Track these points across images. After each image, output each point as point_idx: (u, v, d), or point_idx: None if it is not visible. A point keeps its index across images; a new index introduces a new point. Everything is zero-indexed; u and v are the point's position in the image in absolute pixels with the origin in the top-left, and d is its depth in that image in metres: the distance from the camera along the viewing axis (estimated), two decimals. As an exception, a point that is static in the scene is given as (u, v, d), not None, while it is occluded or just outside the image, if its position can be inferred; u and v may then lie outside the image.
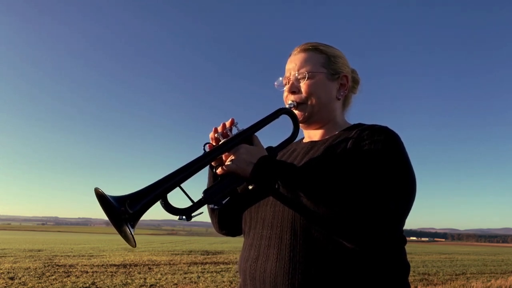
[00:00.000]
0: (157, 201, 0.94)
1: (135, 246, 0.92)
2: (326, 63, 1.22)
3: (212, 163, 1.12)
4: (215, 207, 1.04)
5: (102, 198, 0.88)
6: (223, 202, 1.04)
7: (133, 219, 0.89)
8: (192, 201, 1.01)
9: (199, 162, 1.02)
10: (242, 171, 1.03)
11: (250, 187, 1.05)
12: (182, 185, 0.98)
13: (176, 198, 1.01)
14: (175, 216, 1.00)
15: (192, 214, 1.00)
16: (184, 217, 0.99)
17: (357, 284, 0.98)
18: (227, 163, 1.05)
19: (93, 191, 0.88)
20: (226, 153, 1.07)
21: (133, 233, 0.89)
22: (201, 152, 1.06)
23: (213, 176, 1.16)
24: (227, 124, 1.11)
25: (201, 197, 1.02)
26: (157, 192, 0.93)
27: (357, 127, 1.17)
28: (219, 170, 1.06)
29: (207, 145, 1.09)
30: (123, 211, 0.87)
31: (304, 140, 1.31)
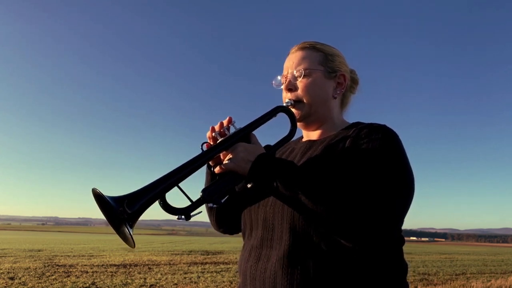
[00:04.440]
0: (155, 201, 0.93)
1: (134, 247, 0.90)
2: (323, 61, 1.21)
3: (210, 162, 1.11)
4: (214, 206, 1.03)
5: (99, 198, 0.87)
6: (222, 201, 1.03)
7: (132, 219, 0.88)
8: (190, 200, 1.01)
9: (197, 161, 1.01)
10: (240, 169, 1.03)
11: (249, 185, 1.04)
12: (180, 184, 0.98)
13: (175, 197, 1.00)
14: (174, 216, 0.99)
15: (191, 214, 0.99)
16: (183, 216, 0.98)
17: (356, 285, 0.98)
18: (225, 161, 1.05)
19: (91, 191, 0.87)
20: (224, 152, 1.07)
21: (131, 233, 0.88)
22: (199, 151, 1.05)
23: (211, 175, 1.16)
24: (225, 122, 1.10)
25: (199, 196, 1.02)
26: (155, 192, 0.92)
27: (356, 125, 1.16)
28: (217, 169, 1.06)
29: (205, 144, 1.09)
30: (121, 211, 0.86)
31: (303, 140, 1.31)
